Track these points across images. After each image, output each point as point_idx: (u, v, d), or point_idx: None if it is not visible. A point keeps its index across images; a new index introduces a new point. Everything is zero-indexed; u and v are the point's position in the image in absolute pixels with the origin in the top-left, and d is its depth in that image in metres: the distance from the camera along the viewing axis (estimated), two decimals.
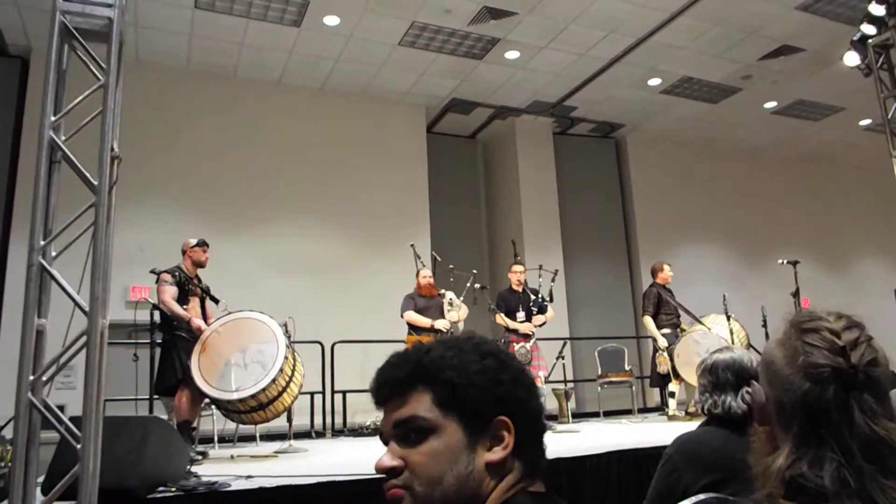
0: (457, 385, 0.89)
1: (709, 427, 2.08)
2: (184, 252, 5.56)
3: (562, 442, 5.33)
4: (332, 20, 7.72)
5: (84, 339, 2.76)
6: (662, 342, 7.18)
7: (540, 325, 6.92)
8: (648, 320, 7.38)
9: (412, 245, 7.13)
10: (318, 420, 7.31)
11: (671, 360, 7.04)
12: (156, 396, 5.37)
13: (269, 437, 6.33)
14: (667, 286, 7.53)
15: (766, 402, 0.94)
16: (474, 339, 0.96)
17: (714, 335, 6.82)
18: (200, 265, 5.56)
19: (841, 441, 0.85)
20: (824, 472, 0.84)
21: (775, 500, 0.86)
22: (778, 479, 0.86)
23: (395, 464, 0.89)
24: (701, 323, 7.11)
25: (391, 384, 0.93)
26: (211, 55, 8.40)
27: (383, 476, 0.91)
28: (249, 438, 6.27)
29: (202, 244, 5.57)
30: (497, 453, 0.88)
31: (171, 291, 5.22)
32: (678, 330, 7.33)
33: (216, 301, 5.49)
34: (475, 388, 0.89)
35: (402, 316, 6.68)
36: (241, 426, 5.96)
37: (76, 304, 2.78)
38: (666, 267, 7.59)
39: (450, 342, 0.95)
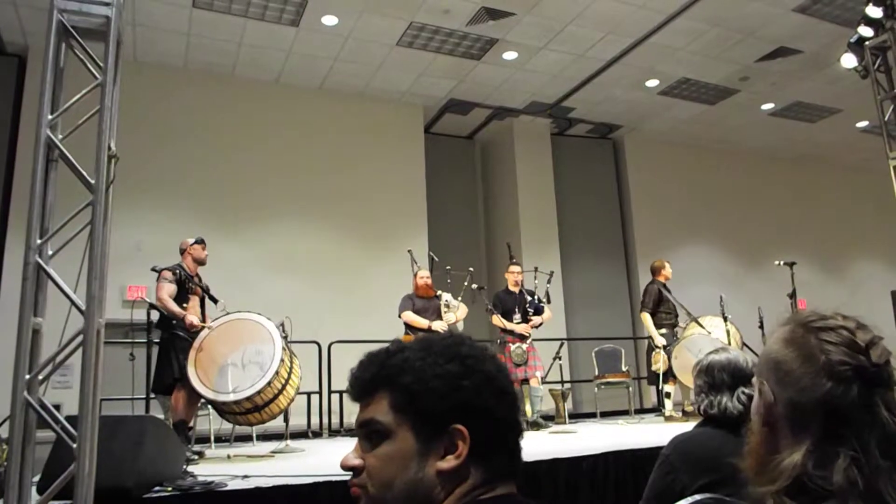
0: (412, 391, 0.88)
1: (705, 428, 2.08)
2: (183, 251, 5.56)
3: (558, 443, 5.33)
4: (330, 20, 7.72)
5: (80, 338, 2.75)
6: (660, 341, 7.15)
7: (536, 327, 6.91)
8: (647, 317, 7.31)
9: (409, 251, 7.13)
10: (314, 420, 7.30)
11: (669, 361, 7.04)
12: (152, 395, 5.36)
13: (266, 437, 6.32)
14: (666, 284, 7.51)
15: (775, 403, 0.93)
16: (449, 340, 0.94)
17: (711, 337, 6.82)
18: (201, 263, 5.56)
19: (862, 439, 0.85)
20: (835, 469, 0.83)
21: (781, 497, 0.85)
22: (791, 476, 0.86)
23: (355, 463, 0.91)
24: (698, 323, 7.10)
25: (358, 385, 0.94)
26: (209, 54, 8.40)
27: None
28: (246, 438, 6.26)
29: (201, 242, 5.58)
30: (449, 462, 0.87)
31: (168, 289, 5.21)
32: (676, 330, 7.31)
33: (215, 301, 5.49)
34: (431, 394, 0.88)
35: (399, 316, 6.67)
36: (237, 426, 5.96)
37: (73, 302, 2.77)
38: (667, 265, 7.55)
39: (423, 344, 0.94)
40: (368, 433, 0.91)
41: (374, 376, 0.92)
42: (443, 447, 0.87)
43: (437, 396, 0.88)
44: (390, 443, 0.88)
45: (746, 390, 2.00)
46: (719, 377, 2.07)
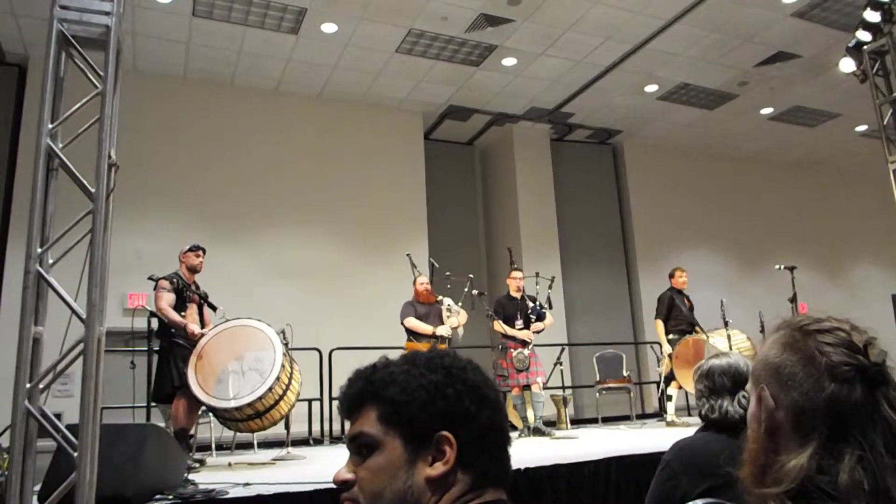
0: (397, 402, 0.91)
1: (706, 433, 2.08)
2: (179, 259, 5.55)
3: (560, 448, 5.33)
4: (329, 28, 7.74)
5: (81, 346, 2.75)
6: (667, 349, 7.20)
7: (538, 332, 6.89)
8: (658, 325, 7.41)
9: (408, 255, 7.13)
10: (315, 427, 7.29)
11: (670, 362, 7.06)
12: (153, 404, 5.35)
13: (267, 444, 6.31)
14: (682, 291, 7.53)
15: (776, 408, 0.92)
16: (432, 353, 0.97)
17: (709, 343, 6.84)
18: (194, 270, 5.51)
19: (867, 438, 0.85)
20: (842, 468, 0.84)
21: (784, 500, 0.85)
22: (797, 478, 0.86)
23: (347, 477, 0.93)
24: (705, 334, 7.11)
25: (347, 401, 0.97)
26: (208, 63, 8.42)
27: None
28: (247, 446, 6.25)
29: (194, 248, 5.52)
30: (437, 469, 0.89)
31: (167, 298, 5.20)
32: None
33: (214, 308, 5.48)
34: (416, 403, 0.90)
35: (402, 322, 6.63)
36: (238, 434, 5.95)
37: (73, 311, 2.77)
38: (678, 272, 7.61)
39: (407, 357, 0.97)
40: (358, 447, 0.93)
41: (360, 391, 0.95)
42: (430, 455, 0.90)
43: (423, 405, 0.90)
44: (379, 454, 0.91)
45: (747, 394, 2.00)
46: (720, 381, 2.07)
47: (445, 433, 0.89)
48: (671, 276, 7.63)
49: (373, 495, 0.90)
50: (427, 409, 0.90)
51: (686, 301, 7.46)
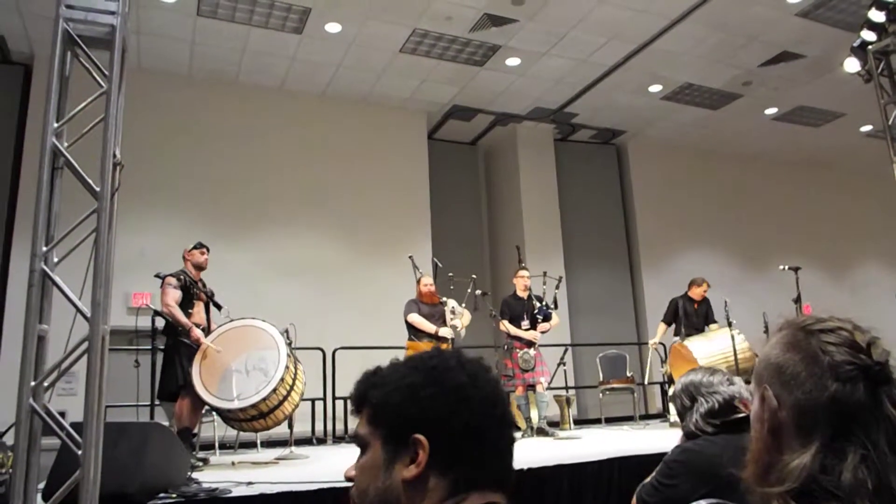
0: (375, 404, 0.95)
1: (706, 436, 2.09)
2: (184, 257, 5.56)
3: (563, 448, 5.32)
4: (333, 27, 7.75)
5: (85, 345, 2.76)
6: (652, 341, 7.50)
7: (544, 333, 6.87)
8: (660, 327, 7.60)
9: (410, 257, 7.13)
10: (318, 427, 7.30)
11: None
12: (157, 402, 5.36)
13: (271, 443, 6.32)
14: (696, 300, 7.56)
15: (779, 408, 0.92)
16: (425, 354, 0.98)
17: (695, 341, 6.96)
18: (200, 268, 5.54)
19: (870, 436, 0.85)
20: (846, 467, 0.83)
21: (787, 499, 0.85)
22: (799, 478, 0.86)
23: (349, 474, 0.99)
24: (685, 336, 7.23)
25: (352, 402, 1.01)
26: (213, 62, 8.43)
27: None
28: (250, 445, 6.26)
29: (199, 246, 5.55)
30: (410, 471, 0.90)
31: (174, 294, 5.19)
32: None
33: (219, 307, 5.49)
34: (389, 406, 0.94)
35: (405, 318, 6.62)
36: (242, 433, 5.96)
37: (78, 309, 2.78)
38: (696, 284, 7.64)
39: (404, 359, 0.99)
40: (358, 446, 0.98)
41: (359, 393, 0.99)
42: (408, 457, 0.91)
43: (395, 408, 0.93)
44: (367, 454, 0.95)
45: (706, 398, 2.07)
46: (679, 403, 2.17)
47: (418, 436, 0.90)
48: (690, 284, 7.70)
49: (361, 492, 0.95)
50: (400, 413, 0.92)
51: (696, 308, 7.50)
